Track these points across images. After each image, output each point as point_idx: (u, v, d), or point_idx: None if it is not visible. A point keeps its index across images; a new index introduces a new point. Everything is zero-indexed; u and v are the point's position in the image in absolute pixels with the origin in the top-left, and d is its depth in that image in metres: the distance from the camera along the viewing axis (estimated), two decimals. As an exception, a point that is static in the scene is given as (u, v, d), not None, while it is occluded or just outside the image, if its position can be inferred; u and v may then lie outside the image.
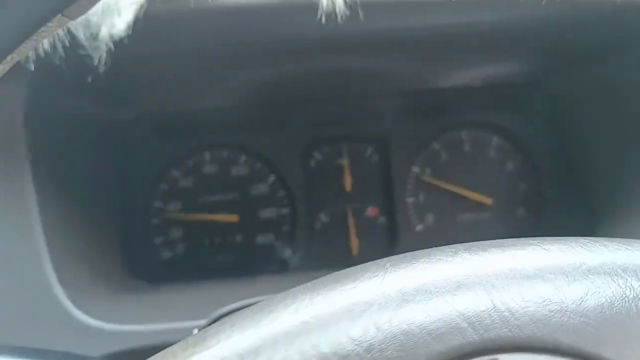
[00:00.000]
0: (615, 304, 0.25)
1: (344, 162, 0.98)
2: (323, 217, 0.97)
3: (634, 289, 0.26)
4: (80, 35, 0.57)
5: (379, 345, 0.24)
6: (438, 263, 0.28)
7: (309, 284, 0.29)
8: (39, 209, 0.66)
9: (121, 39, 0.56)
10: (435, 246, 0.93)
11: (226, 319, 0.28)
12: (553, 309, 0.25)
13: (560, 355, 0.25)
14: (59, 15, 0.29)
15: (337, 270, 0.30)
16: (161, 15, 0.57)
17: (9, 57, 0.29)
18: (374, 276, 0.28)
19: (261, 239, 0.96)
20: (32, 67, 0.57)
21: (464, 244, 0.31)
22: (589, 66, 0.84)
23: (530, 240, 0.29)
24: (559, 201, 0.96)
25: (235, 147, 0.96)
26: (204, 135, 0.95)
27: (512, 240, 0.29)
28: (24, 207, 0.66)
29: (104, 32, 0.57)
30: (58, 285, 0.66)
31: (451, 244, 0.94)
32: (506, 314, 0.25)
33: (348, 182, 0.97)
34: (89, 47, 0.57)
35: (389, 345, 0.25)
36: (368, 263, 0.30)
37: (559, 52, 0.80)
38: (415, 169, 0.98)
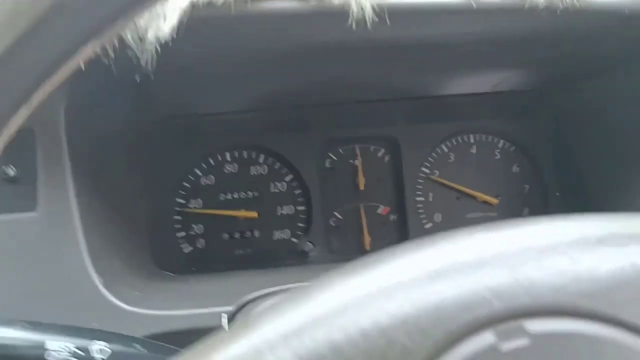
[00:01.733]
0: (626, 269, 0.28)
1: (357, 162, 1.02)
2: (337, 215, 1.02)
3: None
4: (128, 37, 0.61)
5: (413, 319, 0.26)
6: (459, 243, 0.30)
7: (338, 269, 0.31)
8: (78, 205, 0.70)
9: (166, 42, 0.61)
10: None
11: (266, 303, 0.30)
12: (569, 277, 0.27)
13: (579, 318, 0.27)
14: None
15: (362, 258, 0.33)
16: (204, 20, 0.61)
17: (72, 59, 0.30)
18: (401, 258, 0.30)
19: (278, 234, 1.00)
20: (83, 67, 0.61)
21: (479, 225, 0.32)
22: (594, 77, 0.89)
23: (541, 218, 0.31)
24: (562, 202, 1.01)
25: (255, 148, 1.01)
26: (225, 136, 1.00)
27: (524, 219, 0.32)
28: (65, 202, 0.70)
29: (150, 35, 0.61)
30: (95, 273, 0.70)
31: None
32: (526, 284, 0.27)
33: (361, 181, 1.02)
34: (137, 49, 0.61)
35: (423, 318, 0.26)
36: (393, 247, 0.31)
37: (564, 65, 0.85)
38: (425, 170, 1.03)
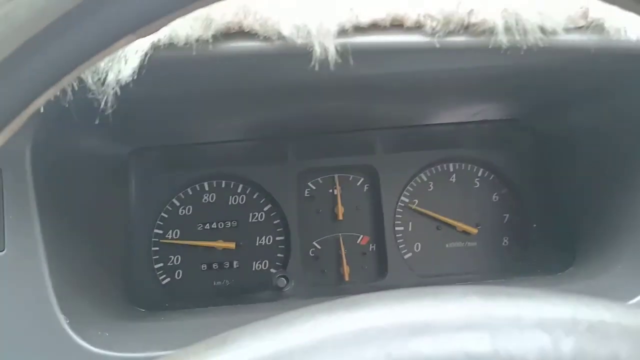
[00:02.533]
0: None
1: (337, 191, 1.02)
2: (316, 245, 1.01)
3: (625, 351, 0.27)
4: (89, 80, 0.60)
5: None
6: (448, 301, 0.29)
7: (325, 304, 0.30)
8: (43, 241, 0.70)
9: (127, 84, 0.60)
10: (424, 274, 0.96)
11: (244, 327, 0.29)
12: (550, 358, 0.27)
13: None
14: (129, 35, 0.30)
15: (330, 298, 0.32)
16: (165, 62, 0.60)
17: (31, 105, 0.31)
18: (387, 305, 0.29)
19: (257, 265, 0.99)
20: (42, 110, 0.61)
21: (475, 285, 0.32)
22: (569, 109, 0.89)
23: (536, 291, 0.31)
24: (542, 231, 1.00)
25: (233, 177, 1.00)
26: (202, 166, 0.99)
27: (520, 288, 0.31)
28: (32, 241, 0.69)
29: (110, 78, 0.60)
30: (60, 314, 0.69)
31: (438, 271, 0.97)
32: (505, 357, 0.26)
33: (340, 211, 1.01)
34: (97, 91, 0.61)
35: None
36: (381, 292, 0.31)
37: (541, 96, 0.85)
38: (404, 199, 1.02)
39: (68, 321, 0.69)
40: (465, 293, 0.30)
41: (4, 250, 0.69)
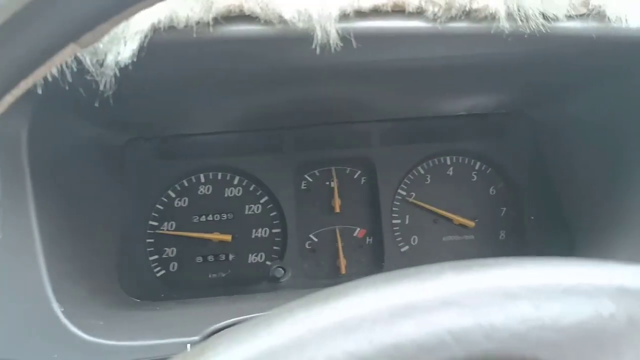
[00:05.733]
0: (591, 322, 0.27)
1: (334, 184, 1.01)
2: (313, 237, 1.00)
3: (607, 308, 0.27)
4: (87, 61, 0.60)
5: (371, 358, 0.26)
6: (426, 281, 0.29)
7: (302, 299, 0.30)
8: (39, 228, 0.69)
9: (126, 66, 0.60)
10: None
11: (224, 332, 0.29)
12: (532, 325, 0.27)
13: None
14: (71, 44, 0.30)
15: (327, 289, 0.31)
16: (165, 44, 0.60)
17: (21, 84, 0.31)
18: (366, 292, 0.29)
19: (253, 257, 0.99)
20: (40, 91, 0.60)
21: (449, 262, 0.32)
22: (568, 98, 0.89)
23: (510, 260, 0.30)
24: (539, 224, 1.00)
25: (230, 169, 0.99)
26: (199, 157, 0.98)
27: (494, 259, 0.31)
28: (27, 227, 0.68)
29: (110, 60, 0.60)
30: (55, 302, 0.68)
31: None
32: (489, 330, 0.26)
33: (337, 203, 1.00)
34: (95, 73, 0.60)
35: (381, 358, 0.26)
36: (359, 279, 0.30)
37: (539, 84, 0.85)
38: (401, 192, 1.02)
39: (63, 309, 0.68)
40: (440, 270, 0.30)
41: (-2, 236, 0.68)
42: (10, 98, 0.31)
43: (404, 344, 0.26)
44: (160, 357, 0.68)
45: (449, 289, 0.28)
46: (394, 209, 1.01)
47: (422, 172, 1.03)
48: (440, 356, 0.26)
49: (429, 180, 1.03)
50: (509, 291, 0.28)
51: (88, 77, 0.60)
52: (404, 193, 1.02)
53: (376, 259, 1.00)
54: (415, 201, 1.02)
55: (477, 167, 1.03)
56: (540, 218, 0.99)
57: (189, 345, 0.69)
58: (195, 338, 0.69)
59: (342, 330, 0.27)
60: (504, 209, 1.03)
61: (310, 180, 1.02)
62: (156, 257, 0.97)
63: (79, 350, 0.67)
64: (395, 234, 1.01)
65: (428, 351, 0.26)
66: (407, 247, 1.01)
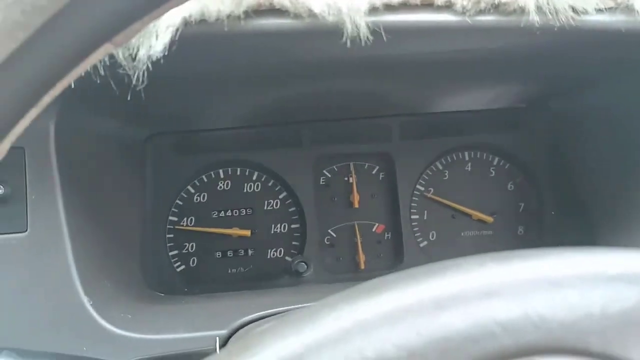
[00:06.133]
0: (637, 309, 0.27)
1: (352, 179, 1.01)
2: (332, 233, 1.01)
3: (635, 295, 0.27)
4: (120, 56, 0.60)
5: (420, 350, 0.26)
6: (468, 272, 0.29)
7: (345, 291, 0.30)
8: (68, 225, 0.69)
9: (158, 60, 0.60)
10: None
11: (266, 328, 0.29)
12: (579, 314, 0.27)
13: (589, 357, 0.26)
14: (105, 44, 0.30)
15: (347, 283, 0.30)
16: (196, 38, 0.60)
17: (57, 85, 0.30)
18: (410, 284, 0.29)
19: (272, 253, 0.99)
20: (72, 85, 0.60)
21: (487, 254, 0.32)
22: (589, 89, 0.89)
23: (551, 249, 0.30)
24: (558, 220, 1.00)
25: (249, 165, 0.99)
26: (218, 153, 0.99)
27: (533, 250, 0.31)
28: (55, 222, 0.69)
29: (142, 53, 0.60)
30: (84, 295, 0.69)
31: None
32: (536, 319, 0.26)
33: (356, 199, 1.01)
34: (128, 67, 0.60)
35: (430, 350, 0.26)
36: (399, 272, 0.31)
37: (561, 77, 0.85)
38: (420, 187, 1.02)
39: (91, 302, 0.69)
40: (481, 262, 0.30)
41: (26, 230, 0.69)
42: (47, 99, 0.31)
43: (451, 335, 0.26)
44: (189, 350, 0.68)
45: (492, 279, 0.28)
46: (412, 204, 1.01)
47: (440, 167, 1.03)
48: (489, 346, 0.26)
49: (447, 176, 1.03)
50: (554, 280, 0.28)
51: (120, 71, 0.60)
52: (422, 188, 1.02)
53: (395, 254, 1.01)
54: (433, 196, 1.02)
55: (495, 162, 1.03)
56: (560, 213, 0.99)
57: (217, 339, 0.69)
58: (224, 331, 0.69)
59: (389, 322, 0.27)
60: (522, 204, 1.03)
61: (329, 175, 1.02)
62: (176, 252, 0.98)
63: (108, 343, 0.68)
64: (414, 229, 1.01)
65: (475, 342, 0.26)
66: (425, 243, 1.01)
